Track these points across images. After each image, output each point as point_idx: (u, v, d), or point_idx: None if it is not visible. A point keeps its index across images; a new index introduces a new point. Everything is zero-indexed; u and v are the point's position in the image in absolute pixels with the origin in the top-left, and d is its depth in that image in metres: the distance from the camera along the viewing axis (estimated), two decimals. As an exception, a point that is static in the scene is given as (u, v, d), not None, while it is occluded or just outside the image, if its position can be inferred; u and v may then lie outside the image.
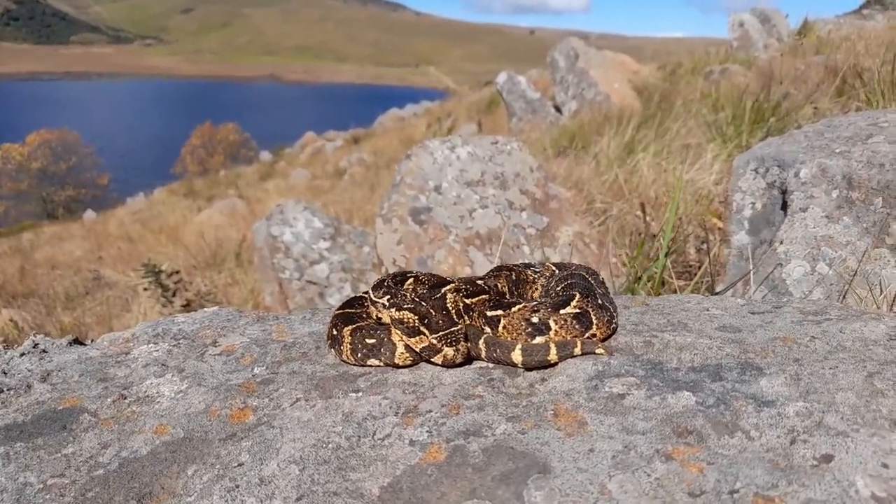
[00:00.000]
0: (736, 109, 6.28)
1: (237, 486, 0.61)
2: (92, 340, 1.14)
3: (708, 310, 0.95)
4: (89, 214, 22.43)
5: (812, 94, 8.08)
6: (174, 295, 3.89)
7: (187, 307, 3.92)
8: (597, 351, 0.76)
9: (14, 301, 7.56)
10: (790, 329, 0.84)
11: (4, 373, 0.94)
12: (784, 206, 1.79)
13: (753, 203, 1.88)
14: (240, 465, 0.64)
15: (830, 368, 0.69)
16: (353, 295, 3.11)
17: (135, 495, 0.64)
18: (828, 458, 0.54)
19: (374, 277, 3.52)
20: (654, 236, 4.06)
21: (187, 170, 34.17)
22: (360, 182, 11.37)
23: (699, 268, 3.21)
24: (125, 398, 0.83)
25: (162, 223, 13.17)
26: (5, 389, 0.88)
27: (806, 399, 0.63)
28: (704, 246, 3.53)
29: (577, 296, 0.81)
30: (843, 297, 1.61)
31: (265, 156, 25.96)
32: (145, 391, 0.84)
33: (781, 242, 1.73)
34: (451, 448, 0.60)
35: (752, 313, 0.92)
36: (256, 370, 0.84)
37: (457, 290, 0.84)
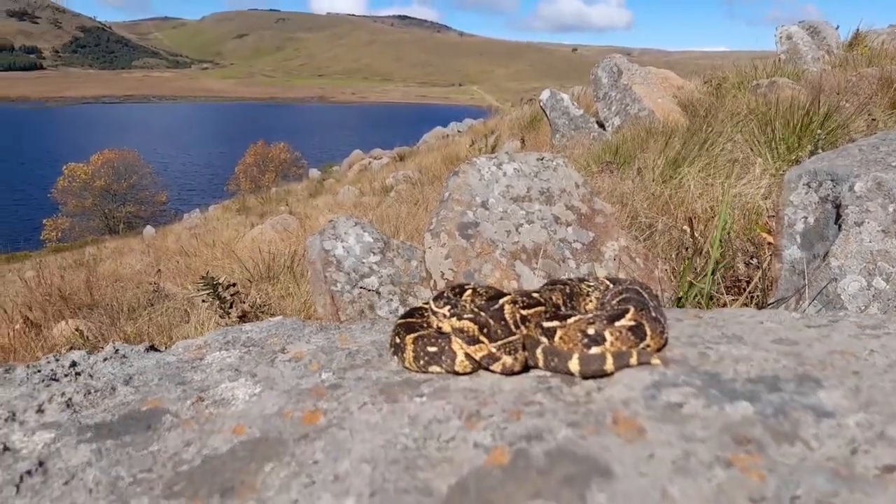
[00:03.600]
0: (784, 123, 6.13)
1: (313, 483, 0.65)
2: (166, 347, 1.22)
3: (762, 323, 0.96)
4: (148, 230, 23.39)
5: (865, 106, 7.82)
6: (231, 306, 4.02)
7: (243, 318, 4.05)
8: (652, 361, 0.78)
9: (80, 311, 7.94)
10: (848, 342, 0.83)
11: (91, 376, 1.02)
12: (837, 221, 1.75)
13: (806, 217, 1.85)
14: (315, 462, 0.68)
15: (891, 381, 0.69)
16: (401, 308, 3.15)
17: (217, 490, 0.69)
18: (890, 469, 0.54)
19: (422, 290, 3.57)
20: (702, 251, 4.00)
21: (240, 187, 35.26)
22: (406, 198, 11.51)
23: (748, 283, 3.15)
24: (203, 400, 0.89)
25: (216, 238, 13.61)
26: (92, 391, 0.96)
27: (866, 411, 0.63)
28: (754, 261, 3.46)
29: (632, 309, 0.83)
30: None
31: (314, 173, 26.61)
32: (221, 394, 0.90)
33: (836, 257, 1.69)
34: (515, 451, 0.63)
35: (807, 327, 0.92)
36: (324, 375, 0.89)
37: (514, 302, 0.87)
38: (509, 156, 3.45)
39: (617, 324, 0.81)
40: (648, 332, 0.82)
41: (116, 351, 1.13)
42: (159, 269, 10.05)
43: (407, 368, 0.86)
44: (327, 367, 0.92)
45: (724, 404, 0.67)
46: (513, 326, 0.83)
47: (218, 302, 3.94)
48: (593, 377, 0.77)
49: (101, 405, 0.92)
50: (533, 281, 3.00)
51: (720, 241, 4.07)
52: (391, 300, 3.47)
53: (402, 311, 3.38)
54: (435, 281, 3.00)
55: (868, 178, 1.70)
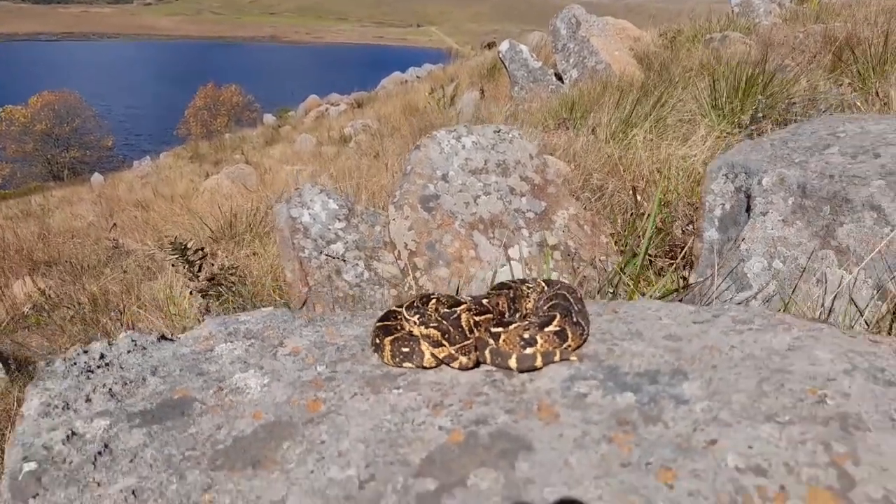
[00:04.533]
0: (730, 86, 6.41)
1: (323, 458, 0.90)
2: (172, 336, 1.43)
3: (661, 319, 1.23)
4: (97, 178, 22.57)
5: (808, 66, 8.19)
6: (199, 270, 4.17)
7: (212, 280, 4.21)
8: (571, 358, 1.05)
9: (37, 268, 7.89)
10: (718, 338, 1.12)
11: (121, 367, 1.23)
12: (748, 209, 2.05)
13: (723, 204, 2.14)
14: (322, 442, 0.93)
15: (735, 374, 0.98)
16: (366, 272, 3.34)
17: (249, 463, 0.93)
18: (713, 442, 0.83)
19: (385, 255, 3.78)
20: (646, 215, 4.34)
21: (191, 132, 34.08)
22: (366, 150, 11.51)
23: (684, 247, 3.47)
24: (222, 389, 1.12)
25: (172, 189, 13.37)
26: (128, 382, 1.18)
27: (711, 399, 0.92)
28: (690, 227, 3.79)
29: (558, 316, 1.09)
30: (794, 289, 1.89)
31: (269, 119, 25.95)
32: (236, 384, 1.13)
33: (744, 241, 2.00)
34: (468, 433, 0.90)
35: (694, 322, 1.20)
36: (319, 369, 1.13)
37: (468, 310, 1.12)
38: (467, 128, 3.64)
39: (545, 329, 1.07)
40: (570, 335, 1.08)
41: (134, 342, 1.34)
42: (115, 224, 9.93)
43: (385, 363, 1.11)
44: (321, 361, 1.16)
45: (616, 394, 0.94)
46: (467, 331, 1.08)
47: (187, 266, 4.08)
48: (527, 371, 1.04)
49: (137, 394, 1.14)
50: (489, 250, 3.27)
51: (660, 204, 4.40)
52: (357, 265, 3.68)
53: (366, 275, 3.61)
54: (399, 251, 3.23)
55: (773, 174, 1.99)
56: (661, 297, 2.18)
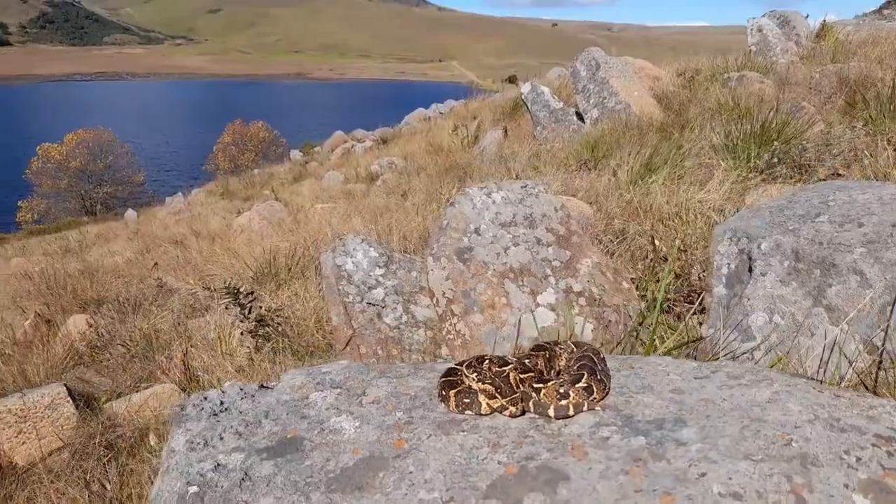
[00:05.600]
0: (746, 128, 6.70)
1: (413, 484, 1.22)
2: (269, 384, 1.76)
3: (669, 374, 1.54)
4: (130, 214, 23.39)
5: (823, 107, 8.48)
6: (249, 312, 4.54)
7: (261, 322, 4.58)
8: (596, 408, 1.36)
9: (87, 306, 8.36)
10: (714, 392, 1.42)
11: (240, 412, 1.57)
12: (750, 269, 2.35)
13: (729, 264, 2.44)
14: (410, 472, 1.25)
15: (723, 422, 1.28)
16: (404, 315, 3.68)
17: (356, 488, 1.25)
18: (703, 474, 1.13)
19: (422, 299, 4.11)
20: (665, 259, 4.64)
21: (219, 167, 35.06)
22: (393, 188, 11.95)
23: (701, 293, 3.74)
24: (324, 430, 1.44)
25: (206, 227, 13.92)
26: (249, 423, 1.51)
27: (703, 442, 1.22)
28: (706, 273, 4.05)
29: (586, 374, 1.40)
30: (793, 342, 2.17)
31: (296, 155, 26.72)
32: (333, 426, 1.46)
33: (748, 297, 2.29)
34: (520, 466, 1.21)
35: (695, 378, 1.50)
36: (398, 414, 1.45)
37: (515, 369, 1.44)
38: (497, 184, 3.99)
39: (576, 385, 1.38)
40: (595, 390, 1.39)
41: (242, 390, 1.68)
42: (156, 263, 10.43)
43: (451, 411, 1.43)
44: (399, 408, 1.48)
45: (631, 437, 1.25)
46: (515, 387, 1.40)
47: (238, 308, 4.45)
48: (562, 419, 1.35)
49: (258, 433, 1.46)
50: (519, 297, 3.58)
51: (679, 250, 4.70)
52: (395, 308, 4.01)
53: (404, 318, 3.95)
54: (437, 299, 3.56)
55: (771, 240, 2.29)
56: (676, 347, 2.47)
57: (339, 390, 1.61)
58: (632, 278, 4.19)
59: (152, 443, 3.18)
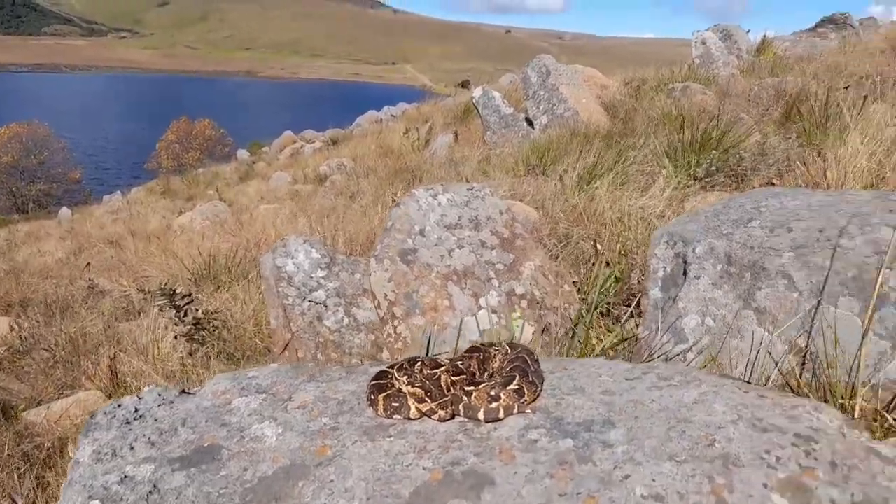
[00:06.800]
0: (687, 137, 6.89)
1: (332, 493, 1.16)
2: (191, 390, 1.67)
3: (601, 376, 1.53)
4: (64, 212, 22.32)
5: (761, 118, 8.82)
6: (185, 315, 4.36)
7: (197, 325, 4.40)
8: (526, 411, 1.33)
9: (11, 309, 7.90)
10: (643, 393, 1.41)
11: (155, 419, 1.47)
12: (685, 273, 2.38)
13: (665, 267, 2.47)
14: (331, 481, 1.19)
15: (650, 423, 1.27)
16: (345, 318, 3.59)
17: (273, 498, 1.18)
18: (627, 476, 1.11)
19: (364, 301, 4.03)
20: (608, 264, 4.69)
21: (161, 166, 33.95)
22: (342, 190, 11.79)
23: (640, 296, 3.79)
24: (244, 438, 1.37)
25: (145, 227, 13.41)
26: (163, 432, 1.41)
27: (629, 444, 1.20)
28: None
29: (517, 376, 1.37)
30: (724, 342, 2.22)
31: (243, 155, 26.10)
32: (255, 433, 1.38)
33: (682, 300, 2.32)
34: (445, 472, 1.17)
35: (626, 379, 1.50)
36: (324, 420, 1.39)
37: (447, 371, 1.40)
38: (443, 187, 3.95)
39: (507, 388, 1.35)
40: (526, 392, 1.36)
41: (161, 396, 1.58)
42: (89, 263, 9.96)
43: (379, 416, 1.38)
44: (325, 414, 1.42)
45: (559, 440, 1.23)
46: (445, 389, 1.36)
47: (174, 311, 4.27)
48: (492, 421, 1.32)
49: (173, 442, 1.37)
50: (462, 300, 3.55)
51: (620, 254, 4.76)
52: (337, 311, 3.93)
53: (345, 321, 3.87)
54: (379, 301, 3.50)
55: (705, 244, 2.34)
56: (612, 347, 2.48)
57: (264, 395, 1.53)
58: (574, 281, 4.23)
59: (71, 454, 2.99)
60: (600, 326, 3.61)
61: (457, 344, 2.93)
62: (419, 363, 1.45)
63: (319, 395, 1.49)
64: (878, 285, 1.80)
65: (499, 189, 5.95)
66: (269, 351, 4.27)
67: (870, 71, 9.66)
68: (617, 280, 4.29)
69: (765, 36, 13.58)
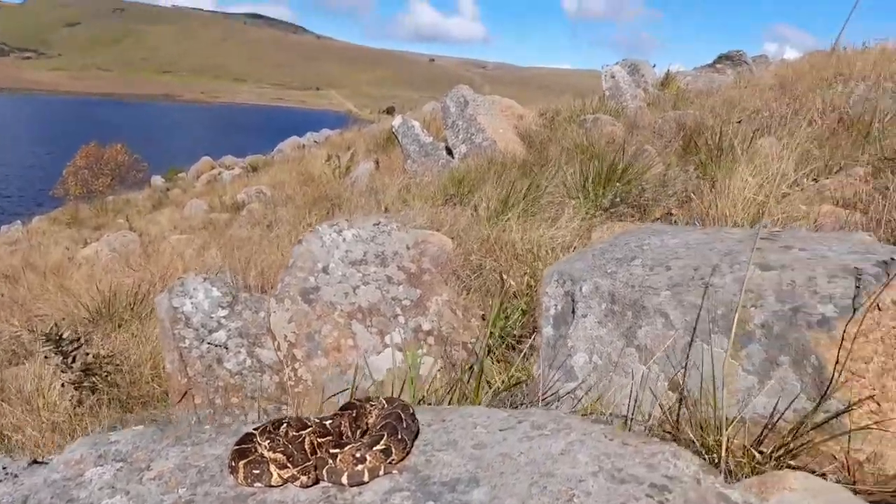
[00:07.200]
0: (595, 169, 7.16)
1: (177, 577, 1.09)
2: (44, 459, 1.54)
3: (476, 427, 1.53)
4: (-45, 244, 20.65)
5: (664, 150, 9.31)
6: (73, 361, 4.08)
7: (87, 371, 4.13)
8: (393, 472, 1.31)
9: None
10: (513, 445, 1.42)
11: (-9, 499, 1.34)
12: (573, 311, 2.45)
13: (556, 305, 2.53)
14: (177, 563, 1.12)
15: (515, 479, 1.27)
16: (248, 359, 3.48)
17: (112, 586, 1.10)
18: (484, 540, 1.10)
19: (268, 341, 3.91)
20: (515, 296, 4.76)
21: (69, 192, 32.11)
22: (259, 219, 11.51)
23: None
24: (90, 517, 1.27)
25: (45, 259, 12.58)
26: (-2, 514, 1.29)
27: (492, 502, 1.20)
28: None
29: (385, 435, 1.35)
30: (609, 380, 2.28)
31: (157, 181, 25.09)
32: (103, 510, 1.29)
33: (570, 339, 2.38)
34: (299, 546, 1.12)
35: (500, 430, 1.50)
36: (181, 491, 1.31)
37: (313, 433, 1.36)
38: (348, 222, 3.92)
39: (374, 448, 1.32)
40: (394, 451, 1.34)
41: (5, 469, 1.45)
42: (-22, 300, 9.20)
43: (240, 484, 1.32)
44: (183, 484, 1.34)
45: (421, 503, 1.21)
46: (310, 453, 1.32)
47: (61, 357, 3.99)
48: (357, 485, 1.28)
49: (7, 526, 1.26)
50: (367, 338, 3.50)
51: (528, 287, 4.84)
52: (239, 352, 3.79)
53: (248, 362, 3.73)
54: (279, 343, 3.40)
55: (591, 282, 2.41)
56: (506, 389, 2.51)
57: (121, 464, 1.43)
58: (482, 315, 4.27)
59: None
60: (505, 360, 3.65)
61: (352, 386, 2.88)
62: (285, 425, 1.40)
63: (180, 463, 1.41)
64: (737, 322, 1.90)
65: (417, 218, 5.97)
66: (168, 395, 4.06)
67: (760, 105, 10.45)
68: (524, 312, 4.36)
69: (668, 70, 14.47)
